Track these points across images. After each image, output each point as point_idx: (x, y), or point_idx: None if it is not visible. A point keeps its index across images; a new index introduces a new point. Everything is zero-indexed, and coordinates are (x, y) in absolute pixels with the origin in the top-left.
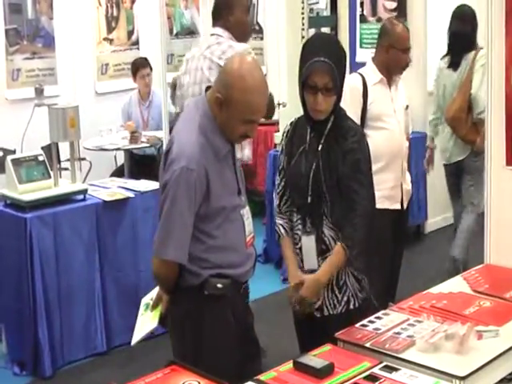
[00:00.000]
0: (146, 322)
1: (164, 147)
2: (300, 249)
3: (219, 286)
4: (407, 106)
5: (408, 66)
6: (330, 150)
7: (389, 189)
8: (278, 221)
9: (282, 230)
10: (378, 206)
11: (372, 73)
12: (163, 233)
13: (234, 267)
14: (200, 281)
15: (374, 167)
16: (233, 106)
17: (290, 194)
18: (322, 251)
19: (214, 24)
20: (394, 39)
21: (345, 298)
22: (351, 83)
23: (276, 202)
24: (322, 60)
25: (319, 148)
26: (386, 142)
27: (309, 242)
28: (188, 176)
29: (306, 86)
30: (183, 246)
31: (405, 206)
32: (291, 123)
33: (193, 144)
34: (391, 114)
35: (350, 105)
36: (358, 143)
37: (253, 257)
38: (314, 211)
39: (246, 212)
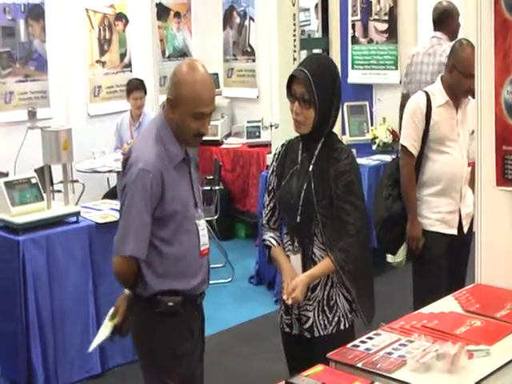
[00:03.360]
0: (104, 330)
1: None
2: None
3: (170, 304)
4: (473, 131)
5: (472, 91)
6: (321, 171)
7: (444, 213)
8: (268, 233)
9: (274, 241)
10: (432, 228)
11: (438, 93)
12: (122, 231)
13: (186, 278)
14: (150, 293)
15: (430, 190)
16: (182, 101)
17: (280, 214)
18: None
19: (436, 29)
20: (458, 61)
21: (335, 319)
22: (414, 102)
23: (264, 220)
24: (301, 70)
25: (310, 168)
26: (445, 166)
27: (296, 262)
28: (144, 177)
29: (289, 94)
30: (141, 242)
31: (465, 230)
32: (282, 145)
33: (149, 150)
34: (455, 138)
35: (410, 126)
36: (350, 165)
37: (205, 268)
38: (302, 231)
39: (202, 224)
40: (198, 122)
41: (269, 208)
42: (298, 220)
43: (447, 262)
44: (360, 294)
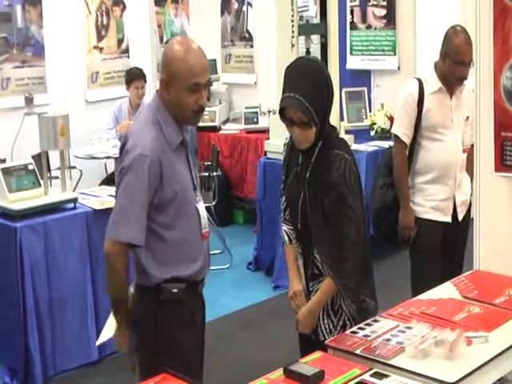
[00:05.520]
0: (111, 327)
1: None
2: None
3: (174, 291)
4: (467, 117)
5: (465, 78)
6: (315, 182)
7: (438, 201)
8: (284, 227)
9: (286, 238)
10: (425, 216)
11: (432, 80)
12: (117, 215)
13: (188, 262)
14: (153, 283)
15: (424, 178)
16: (176, 76)
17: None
18: (315, 275)
19: None
20: (451, 49)
21: (340, 323)
22: (406, 90)
23: (281, 207)
24: (292, 96)
25: (307, 175)
26: (439, 153)
27: (300, 265)
28: (142, 162)
29: (283, 117)
30: (136, 228)
31: (459, 218)
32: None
33: (146, 134)
34: (448, 124)
35: (402, 114)
36: (342, 176)
37: (206, 252)
38: (304, 237)
39: (202, 207)
40: (195, 94)
41: (284, 198)
42: (299, 227)
43: (441, 249)
44: (353, 285)
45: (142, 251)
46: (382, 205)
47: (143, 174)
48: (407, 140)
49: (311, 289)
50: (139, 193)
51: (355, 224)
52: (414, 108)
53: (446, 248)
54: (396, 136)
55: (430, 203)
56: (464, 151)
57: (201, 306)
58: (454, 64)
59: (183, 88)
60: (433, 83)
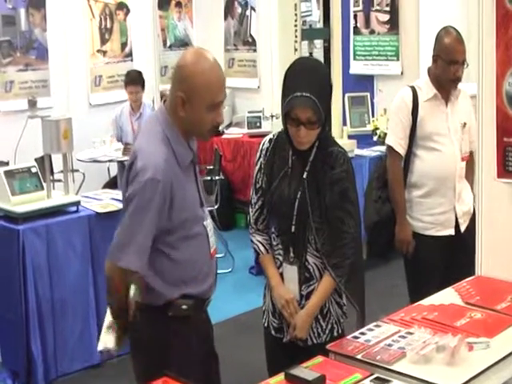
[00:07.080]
0: (109, 336)
1: None
2: (281, 273)
3: (184, 307)
4: (465, 124)
5: (458, 79)
6: (316, 179)
7: (437, 214)
8: (256, 238)
9: (262, 248)
10: (425, 232)
11: (426, 87)
12: (122, 239)
13: (198, 282)
14: (163, 302)
15: (421, 191)
16: (197, 94)
17: (270, 216)
18: (306, 279)
19: None
20: (442, 49)
21: (329, 326)
22: (399, 98)
23: (252, 219)
24: (303, 95)
25: (304, 175)
26: (435, 163)
27: (292, 272)
28: (154, 187)
29: (289, 118)
30: (141, 255)
31: (462, 229)
32: (270, 140)
33: (157, 155)
34: (445, 133)
35: (396, 124)
36: (346, 172)
37: (214, 270)
38: (297, 241)
39: (209, 224)
40: (214, 112)
41: (256, 207)
42: (293, 230)
43: (441, 265)
44: (349, 280)
45: (149, 271)
46: (379, 219)
47: (154, 200)
48: (402, 151)
49: (303, 292)
50: (148, 219)
51: (354, 219)
52: (408, 117)
53: (448, 262)
54: (390, 147)
55: (428, 218)
56: (462, 159)
57: (206, 321)
58: (446, 64)
59: (204, 106)
60: (427, 90)
